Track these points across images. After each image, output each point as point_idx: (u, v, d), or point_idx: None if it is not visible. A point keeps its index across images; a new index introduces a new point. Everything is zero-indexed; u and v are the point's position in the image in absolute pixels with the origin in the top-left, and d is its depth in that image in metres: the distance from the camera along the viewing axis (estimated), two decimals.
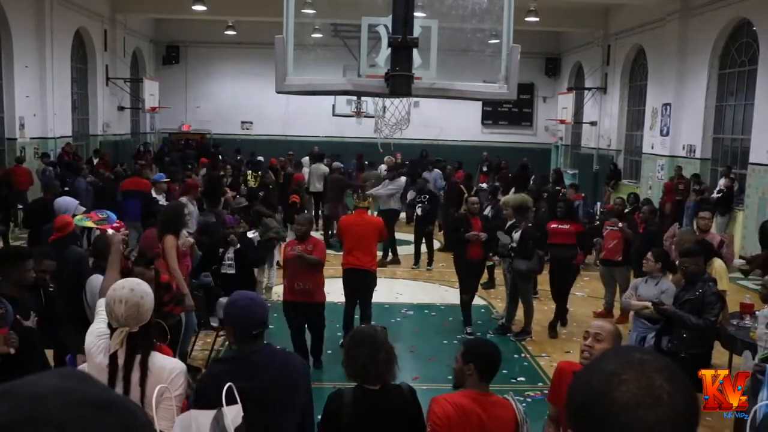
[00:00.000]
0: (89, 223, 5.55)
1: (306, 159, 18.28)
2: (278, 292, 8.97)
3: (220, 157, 19.91)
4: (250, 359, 2.93)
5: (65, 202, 7.21)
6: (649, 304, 5.93)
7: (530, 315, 8.29)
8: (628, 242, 8.62)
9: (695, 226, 8.36)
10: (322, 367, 6.87)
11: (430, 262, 12.08)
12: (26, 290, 4.46)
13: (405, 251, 12.93)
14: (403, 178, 12.66)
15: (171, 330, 5.70)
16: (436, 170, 16.73)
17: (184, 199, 9.27)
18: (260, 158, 19.15)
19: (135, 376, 2.77)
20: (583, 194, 14.35)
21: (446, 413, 3.14)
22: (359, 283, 7.41)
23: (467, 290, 8.48)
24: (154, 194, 10.35)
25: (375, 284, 7.56)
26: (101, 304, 3.01)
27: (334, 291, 9.79)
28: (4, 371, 3.76)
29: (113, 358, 2.76)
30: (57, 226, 6.13)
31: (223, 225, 8.38)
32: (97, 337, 2.89)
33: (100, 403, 0.72)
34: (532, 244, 8.07)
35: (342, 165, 17.22)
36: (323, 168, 15.50)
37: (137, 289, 2.83)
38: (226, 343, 7.42)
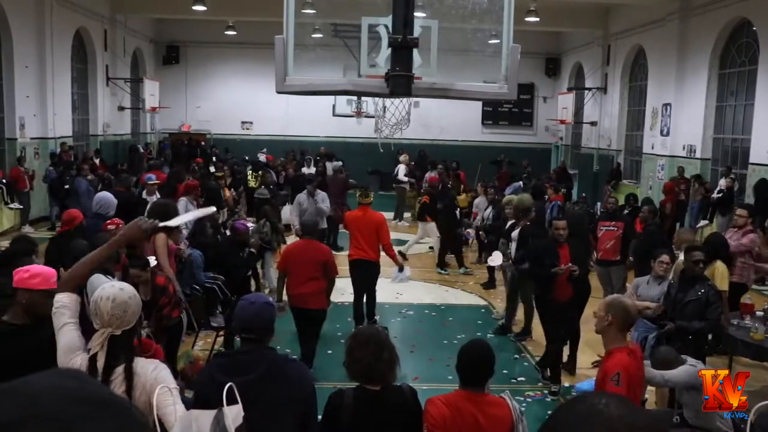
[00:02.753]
0: None
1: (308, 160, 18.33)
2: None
3: (214, 158, 19.88)
4: (240, 357, 2.98)
5: (107, 198, 7.32)
6: (649, 304, 5.94)
7: (530, 315, 8.28)
8: (626, 242, 8.60)
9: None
10: None
11: (441, 264, 11.95)
12: None
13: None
14: (322, 194, 10.33)
15: (171, 331, 5.71)
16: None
17: (184, 200, 9.25)
18: (261, 157, 19.18)
19: (120, 386, 2.67)
20: (563, 194, 13.92)
21: (441, 414, 3.14)
22: (364, 273, 7.95)
23: (555, 339, 6.80)
24: (144, 195, 9.63)
25: (378, 274, 8.11)
26: (61, 310, 2.80)
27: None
28: (7, 371, 3.75)
29: (92, 360, 2.67)
30: (64, 219, 6.27)
31: (235, 231, 8.00)
32: (66, 354, 2.74)
33: (98, 400, 0.72)
34: (531, 242, 8.06)
35: (342, 164, 17.29)
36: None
37: (126, 289, 2.79)
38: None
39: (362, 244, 7.88)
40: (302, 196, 10.51)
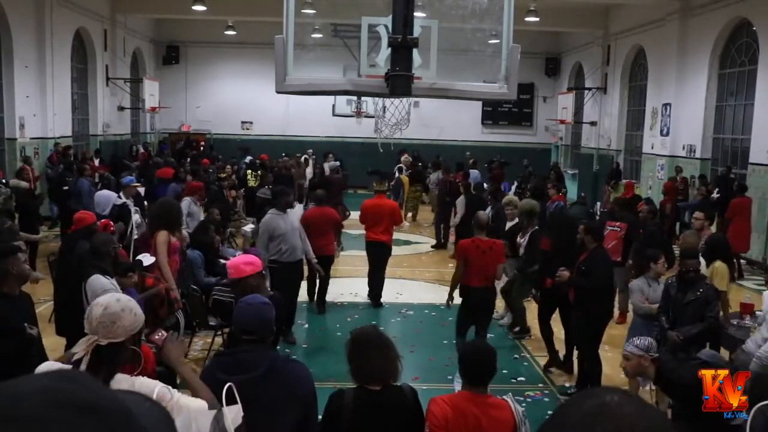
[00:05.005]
0: None
1: (303, 160, 18.35)
2: None
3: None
4: (241, 355, 2.99)
5: (105, 195, 7.37)
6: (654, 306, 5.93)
7: (520, 314, 8.34)
8: (628, 242, 8.59)
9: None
10: None
11: None
12: (21, 287, 4.43)
13: (404, 251, 12.93)
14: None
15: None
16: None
17: (187, 200, 9.24)
18: (250, 157, 19.15)
19: None
20: (565, 194, 13.79)
21: (444, 414, 3.14)
22: (377, 252, 9.28)
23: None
24: (122, 198, 9.04)
25: (390, 254, 9.50)
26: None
27: (330, 291, 9.82)
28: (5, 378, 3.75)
29: (77, 364, 2.54)
30: (74, 219, 6.38)
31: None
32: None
33: (84, 405, 0.71)
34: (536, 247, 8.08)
35: (339, 164, 17.28)
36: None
37: (123, 301, 2.66)
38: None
39: (377, 229, 9.17)
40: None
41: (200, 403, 2.62)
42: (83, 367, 2.57)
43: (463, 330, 6.75)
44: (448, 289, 10.53)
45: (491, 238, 6.84)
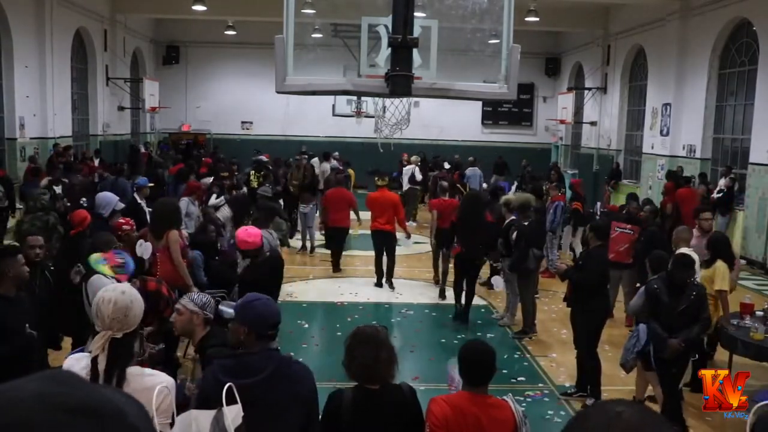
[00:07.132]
0: (105, 269, 5.05)
1: (315, 160, 18.32)
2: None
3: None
4: (249, 358, 2.95)
5: (106, 197, 7.36)
6: None
7: (529, 314, 8.30)
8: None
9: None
10: None
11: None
12: (21, 288, 4.42)
13: (404, 251, 12.91)
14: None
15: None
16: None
17: (186, 200, 9.24)
18: (261, 157, 19.14)
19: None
20: (564, 194, 13.63)
21: (444, 414, 3.13)
22: (383, 240, 10.12)
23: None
24: (137, 198, 9.31)
25: (395, 241, 10.34)
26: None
27: (330, 291, 9.83)
28: (3, 378, 3.74)
29: (94, 362, 2.65)
30: (75, 221, 6.33)
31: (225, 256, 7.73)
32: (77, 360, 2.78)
33: (78, 408, 0.71)
34: (525, 243, 8.10)
35: (339, 164, 17.25)
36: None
37: (128, 292, 2.78)
38: None
39: (380, 218, 9.99)
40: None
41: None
42: (102, 363, 2.66)
43: (437, 252, 10.00)
44: (448, 288, 10.68)
45: (452, 199, 10.00)
